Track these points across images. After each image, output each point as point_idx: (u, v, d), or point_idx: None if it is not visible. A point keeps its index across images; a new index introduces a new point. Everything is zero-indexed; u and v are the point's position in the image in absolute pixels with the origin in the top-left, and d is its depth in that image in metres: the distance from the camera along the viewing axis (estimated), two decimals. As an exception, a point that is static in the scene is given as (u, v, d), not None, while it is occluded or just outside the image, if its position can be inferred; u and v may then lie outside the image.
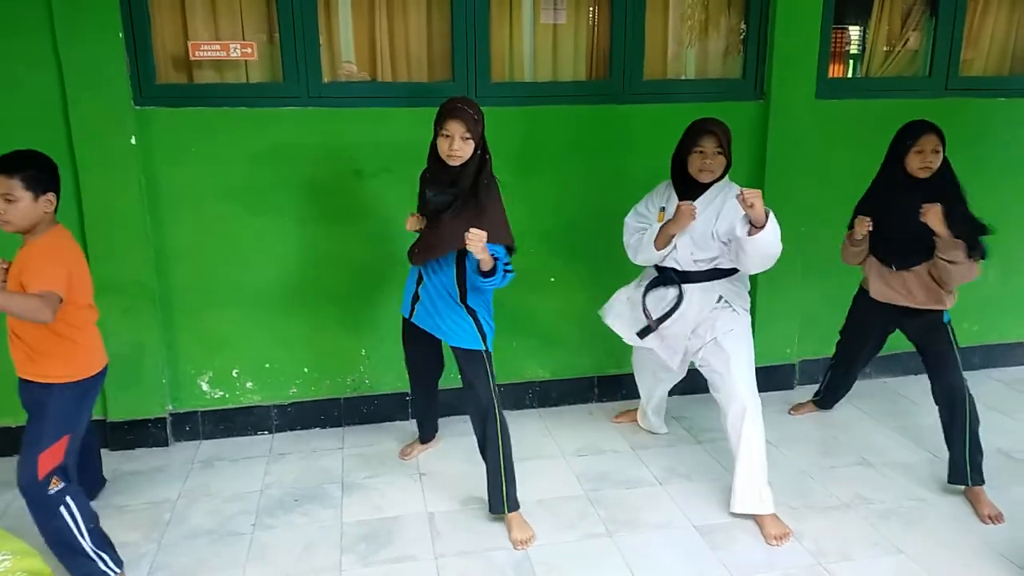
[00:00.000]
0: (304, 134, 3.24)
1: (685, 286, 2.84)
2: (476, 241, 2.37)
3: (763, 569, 2.53)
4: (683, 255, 2.80)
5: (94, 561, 2.34)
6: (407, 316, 2.87)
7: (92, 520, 2.36)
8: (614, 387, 3.79)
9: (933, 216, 2.67)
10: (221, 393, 3.42)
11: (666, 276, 2.88)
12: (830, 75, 3.86)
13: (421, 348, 2.96)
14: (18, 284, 2.20)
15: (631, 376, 3.48)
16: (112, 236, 3.11)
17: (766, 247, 2.56)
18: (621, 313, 3.06)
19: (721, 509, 2.85)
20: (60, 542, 2.30)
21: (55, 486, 2.26)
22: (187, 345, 3.34)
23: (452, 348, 2.74)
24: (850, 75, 4.21)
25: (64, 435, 2.30)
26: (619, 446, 3.36)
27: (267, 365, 3.43)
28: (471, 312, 2.69)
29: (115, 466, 3.17)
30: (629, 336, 3.01)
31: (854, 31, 4.13)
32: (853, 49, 4.18)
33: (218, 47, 3.20)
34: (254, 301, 3.34)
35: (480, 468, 2.74)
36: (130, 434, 3.32)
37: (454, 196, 2.56)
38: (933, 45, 3.89)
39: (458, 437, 3.39)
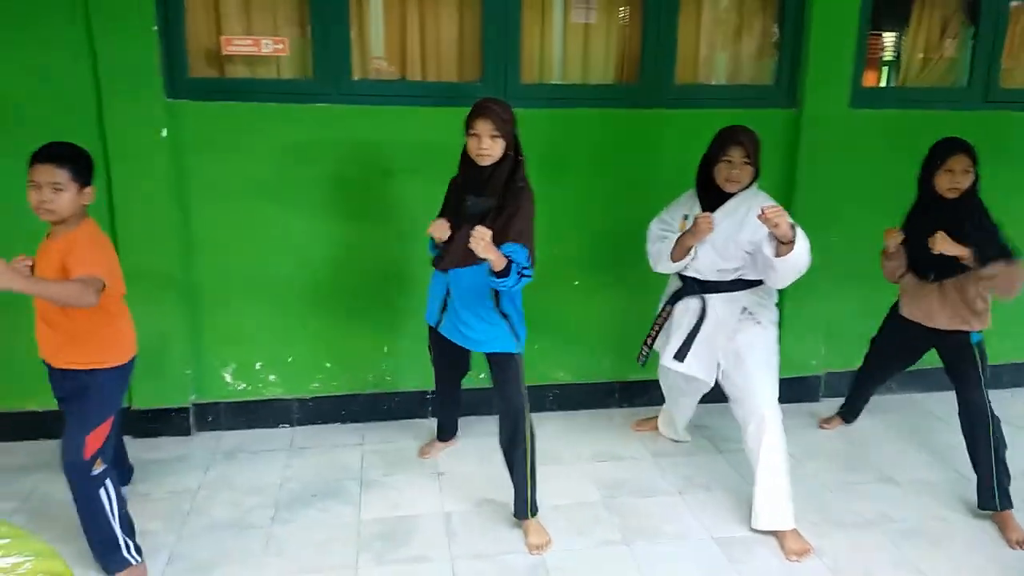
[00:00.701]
0: (333, 131, 3.25)
1: (707, 297, 2.80)
2: (478, 239, 2.28)
3: (781, 585, 2.50)
4: (705, 265, 2.76)
5: (120, 547, 2.41)
6: (433, 325, 2.84)
7: (123, 506, 2.43)
8: (635, 393, 3.76)
9: (941, 243, 2.64)
10: (244, 385, 3.45)
11: (688, 286, 2.85)
12: (863, 83, 3.79)
13: (448, 354, 2.94)
14: (58, 276, 2.23)
15: (653, 382, 3.45)
16: (141, 227, 3.14)
17: (795, 264, 2.52)
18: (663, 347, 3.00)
19: (740, 521, 2.82)
20: (94, 524, 2.37)
21: (98, 467, 2.34)
22: (212, 337, 3.37)
23: (490, 355, 2.69)
24: (884, 83, 4.13)
25: (109, 416, 2.38)
26: (638, 453, 3.34)
27: (290, 359, 3.45)
28: (504, 314, 2.66)
29: (137, 454, 3.20)
30: (669, 361, 2.93)
31: (889, 38, 4.05)
32: (887, 56, 4.10)
33: (250, 42, 3.22)
34: (279, 295, 3.37)
35: (498, 470, 2.73)
36: (153, 423, 3.36)
37: (493, 203, 2.52)
38: (973, 55, 3.80)
39: (477, 437, 3.39)
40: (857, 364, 3.60)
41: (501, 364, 2.67)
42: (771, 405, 2.70)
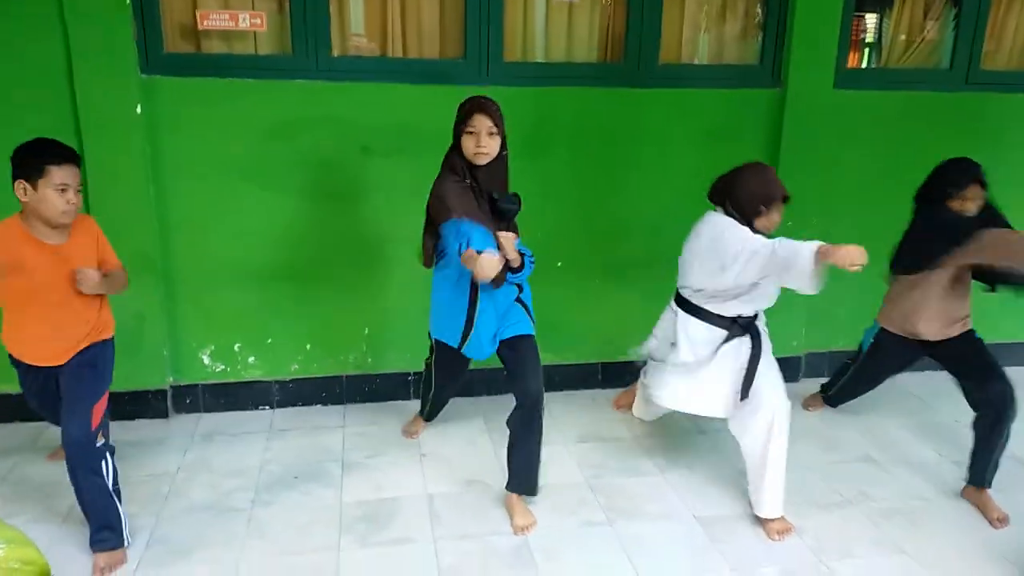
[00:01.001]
0: (311, 108, 3.19)
1: (753, 329, 2.74)
2: (510, 244, 2.39)
3: (763, 564, 2.51)
4: (741, 307, 2.70)
5: (120, 520, 2.40)
6: (456, 347, 2.69)
7: (117, 480, 2.43)
8: (618, 374, 3.76)
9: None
10: (222, 367, 3.40)
11: (733, 327, 2.71)
12: (847, 64, 3.78)
13: (461, 368, 2.95)
14: (99, 265, 2.46)
15: (635, 363, 3.44)
16: (116, 206, 3.07)
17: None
18: (685, 393, 2.81)
19: (722, 500, 2.84)
20: (96, 498, 2.35)
21: (102, 439, 2.37)
22: (189, 318, 3.31)
23: (511, 340, 2.63)
24: (865, 64, 4.13)
25: (107, 387, 2.46)
26: (621, 434, 3.34)
27: (269, 340, 3.41)
28: (521, 301, 2.69)
29: (115, 436, 3.09)
30: (723, 409, 2.77)
31: (871, 19, 4.04)
32: (869, 37, 4.10)
33: (227, 17, 3.15)
34: (258, 275, 3.31)
35: (482, 451, 2.72)
36: (131, 405, 3.30)
37: (514, 201, 2.54)
38: (955, 37, 3.81)
39: (460, 419, 3.37)
40: (836, 345, 3.62)
41: (529, 348, 2.64)
42: (784, 400, 2.66)
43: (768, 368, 2.72)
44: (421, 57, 3.39)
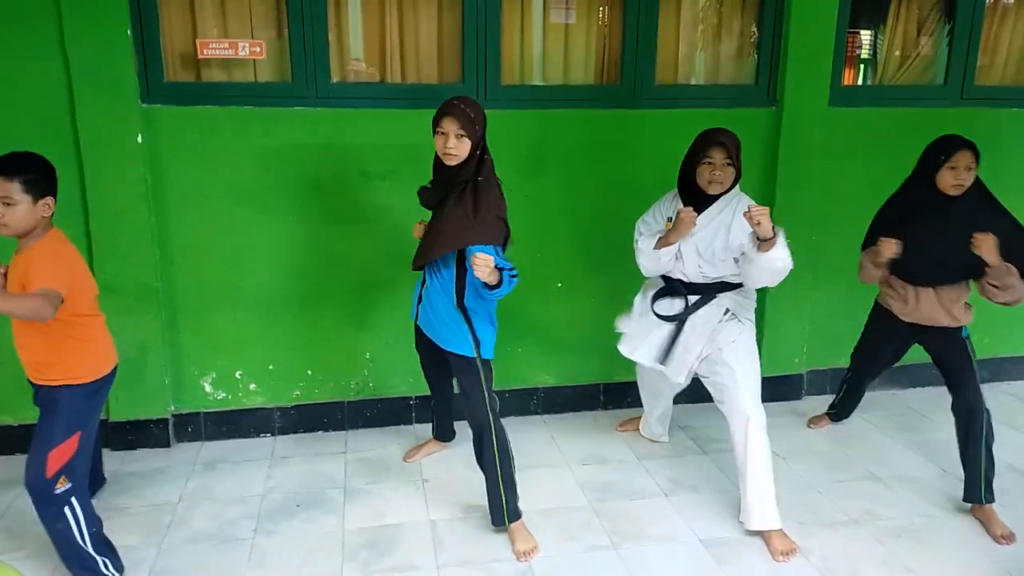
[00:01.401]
0: (312, 134, 3.21)
1: (691, 298, 2.80)
2: (482, 266, 2.30)
3: (769, 586, 2.50)
4: (690, 267, 2.76)
5: (95, 563, 2.34)
6: (414, 319, 2.84)
7: (95, 524, 2.35)
8: (620, 394, 3.75)
9: (987, 248, 2.57)
10: (224, 394, 3.40)
11: (672, 287, 2.84)
12: (842, 81, 3.80)
13: (432, 352, 2.91)
14: (20, 289, 2.16)
15: (637, 384, 3.44)
16: (116, 235, 3.08)
17: (773, 263, 2.52)
18: (636, 343, 2.95)
19: (727, 522, 2.82)
20: (63, 542, 2.30)
21: (62, 485, 2.25)
22: (190, 346, 3.31)
23: (449, 355, 2.67)
24: (860, 81, 4.16)
25: (74, 433, 2.28)
26: (624, 456, 3.33)
27: (270, 367, 3.41)
28: (467, 318, 2.61)
29: (116, 466, 3.14)
30: (650, 362, 2.91)
31: (865, 35, 4.08)
32: (864, 54, 4.13)
33: (227, 45, 3.17)
34: (259, 302, 3.32)
35: (483, 475, 2.69)
36: (132, 434, 3.30)
37: (444, 193, 2.53)
38: (949, 53, 3.83)
39: (462, 444, 3.35)
40: (840, 362, 3.62)
41: (460, 367, 2.65)
42: (754, 405, 2.70)
43: (742, 371, 2.71)
44: (419, 81, 3.42)
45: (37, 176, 2.18)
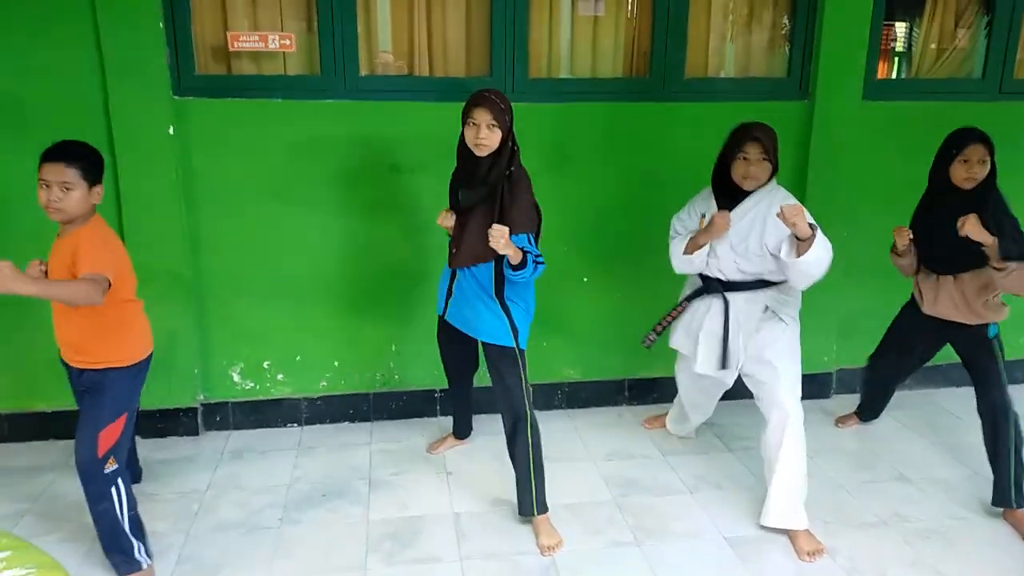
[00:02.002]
0: (340, 127, 3.23)
1: (729, 296, 2.76)
2: (498, 237, 2.34)
3: (795, 586, 2.47)
4: (726, 265, 2.72)
5: (131, 546, 2.39)
6: (441, 314, 2.84)
7: (133, 507, 2.41)
8: (645, 390, 3.73)
9: (971, 227, 2.55)
10: (252, 384, 3.44)
11: (710, 286, 2.81)
12: (877, 75, 3.73)
13: (456, 346, 2.93)
14: (68, 274, 2.20)
15: (663, 379, 3.42)
16: (148, 225, 3.13)
17: (811, 267, 2.49)
18: (691, 350, 2.91)
19: (752, 521, 2.79)
20: (104, 523, 2.36)
21: (111, 466, 2.32)
22: (219, 336, 3.35)
23: (483, 345, 2.70)
24: (895, 74, 4.08)
25: (121, 414, 2.36)
26: (649, 451, 3.31)
27: (298, 358, 3.44)
28: (505, 308, 2.63)
29: (146, 454, 3.19)
30: (713, 370, 2.86)
31: (900, 28, 3.99)
32: (899, 47, 4.04)
33: (257, 38, 3.20)
34: (286, 293, 3.35)
35: (508, 468, 2.70)
36: (161, 423, 3.35)
37: (483, 196, 2.53)
38: (988, 45, 3.74)
39: (487, 436, 3.36)
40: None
41: (498, 357, 2.65)
42: (794, 402, 2.67)
43: (782, 370, 2.69)
44: (447, 75, 3.42)
45: (93, 164, 2.27)
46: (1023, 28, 3.77)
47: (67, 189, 2.20)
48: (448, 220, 2.70)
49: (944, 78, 3.85)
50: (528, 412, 2.63)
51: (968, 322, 2.82)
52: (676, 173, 3.49)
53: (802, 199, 3.44)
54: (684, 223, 2.85)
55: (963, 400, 3.68)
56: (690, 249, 2.73)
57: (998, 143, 2.75)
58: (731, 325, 2.76)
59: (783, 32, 3.64)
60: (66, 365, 2.44)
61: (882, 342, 3.33)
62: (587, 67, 3.54)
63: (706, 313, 2.83)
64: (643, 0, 3.51)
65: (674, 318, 2.96)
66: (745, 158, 2.61)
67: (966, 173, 2.69)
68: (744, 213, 2.65)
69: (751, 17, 3.65)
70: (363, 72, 3.28)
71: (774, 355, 2.69)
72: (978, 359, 2.85)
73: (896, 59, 4.08)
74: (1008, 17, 3.69)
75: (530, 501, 2.66)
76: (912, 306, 3.06)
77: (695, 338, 2.87)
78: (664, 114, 3.45)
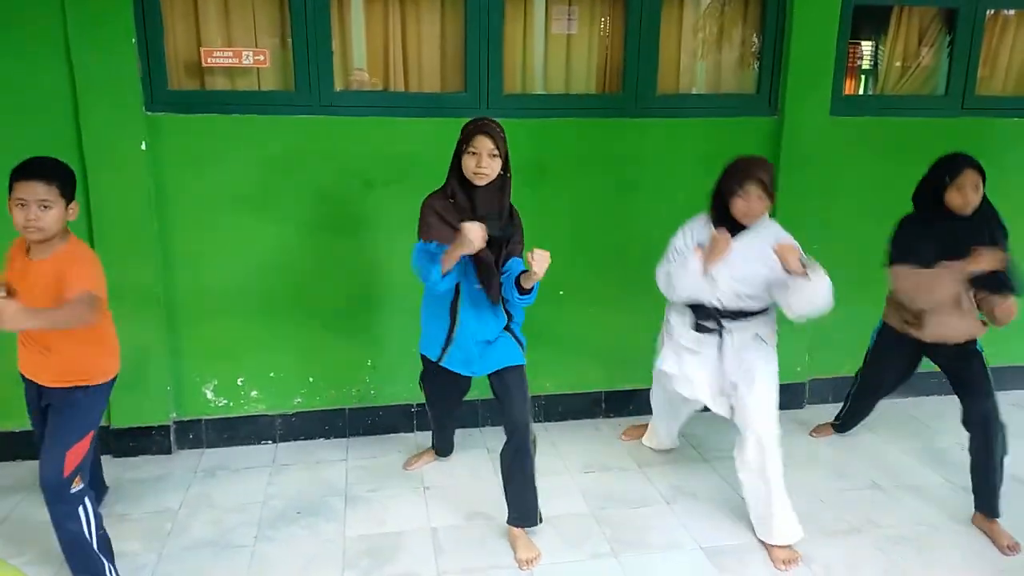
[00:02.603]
0: (314, 143, 3.23)
1: (727, 324, 2.78)
2: (543, 263, 2.34)
3: (772, 594, 2.49)
4: (726, 293, 2.73)
5: (102, 567, 2.35)
6: (435, 359, 2.75)
7: (101, 526, 2.37)
8: (622, 402, 3.75)
9: (988, 261, 2.59)
10: (225, 401, 3.40)
11: (707, 315, 2.80)
12: (844, 91, 3.82)
13: (451, 387, 2.92)
14: (53, 296, 2.16)
15: (639, 391, 3.44)
16: (120, 241, 3.09)
17: (813, 297, 2.54)
18: (692, 382, 2.90)
19: (729, 530, 2.81)
20: (72, 543, 2.31)
21: (77, 484, 2.29)
22: (192, 352, 3.32)
23: (501, 371, 2.63)
24: (861, 91, 4.17)
25: (88, 432, 2.32)
26: (626, 463, 3.32)
27: (272, 374, 3.41)
28: (510, 329, 2.67)
29: (117, 473, 3.14)
30: (712, 400, 2.88)
31: (866, 46, 4.09)
32: (865, 64, 4.14)
33: (231, 54, 3.19)
34: (260, 309, 3.32)
35: (485, 483, 2.70)
36: (133, 441, 3.30)
37: (506, 226, 2.54)
38: (950, 63, 3.85)
39: (464, 450, 3.36)
40: (842, 371, 3.61)
41: (514, 377, 2.63)
42: (773, 425, 2.69)
43: (762, 389, 2.72)
44: (422, 91, 3.43)
45: (68, 180, 2.26)
46: (984, 47, 3.88)
47: (45, 207, 2.17)
48: (476, 229, 2.35)
49: (909, 94, 3.95)
50: (532, 429, 2.63)
51: (964, 340, 2.85)
52: (650, 187, 3.54)
53: (773, 212, 3.50)
54: (681, 252, 2.80)
55: (933, 408, 3.76)
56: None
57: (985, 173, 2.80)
58: (726, 351, 2.78)
59: (752, 50, 3.71)
60: (25, 380, 2.39)
61: (867, 362, 3.32)
62: (561, 83, 3.58)
63: (700, 342, 2.83)
64: (615, 18, 3.56)
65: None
66: (745, 197, 2.64)
67: (961, 200, 2.71)
68: (743, 246, 2.68)
69: (721, 35, 3.72)
70: (338, 87, 3.28)
71: (760, 380, 2.72)
72: (966, 370, 2.85)
73: (862, 76, 4.19)
74: (969, 36, 3.80)
75: (535, 510, 2.67)
76: (890, 331, 3.07)
77: (678, 358, 2.91)
78: (637, 129, 3.50)
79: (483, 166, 2.43)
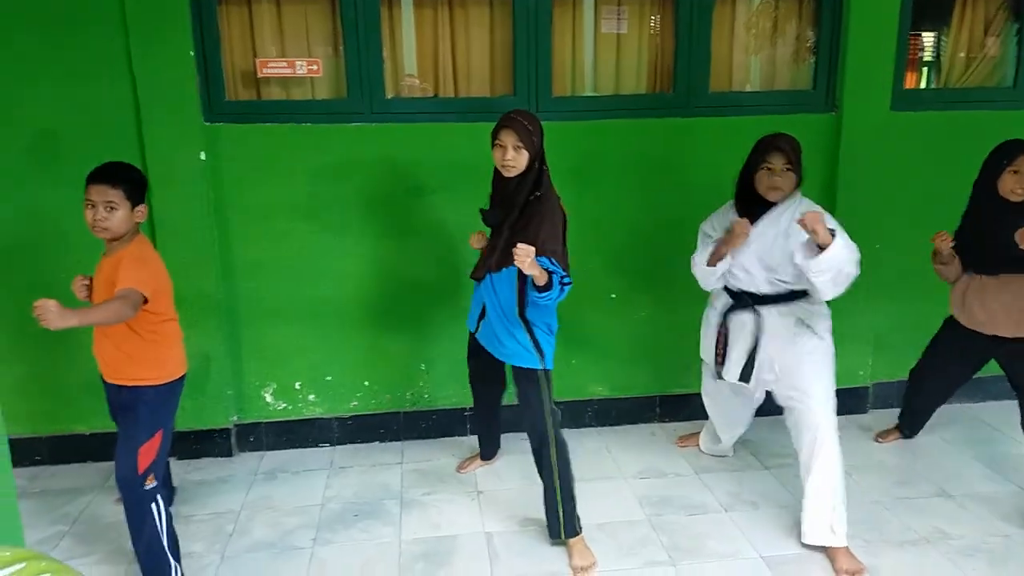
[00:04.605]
0: (367, 150, 3.27)
1: (761, 310, 2.73)
2: (523, 256, 2.30)
3: (835, 606, 2.42)
4: (759, 278, 2.69)
5: (169, 567, 2.42)
6: (472, 331, 2.85)
7: (171, 525, 2.45)
8: (677, 407, 3.69)
9: None
10: (284, 405, 3.46)
11: (741, 301, 2.78)
12: (904, 85, 3.69)
13: (484, 364, 2.92)
14: (111, 291, 2.27)
15: (694, 395, 3.38)
16: (181, 249, 3.17)
17: (831, 266, 2.43)
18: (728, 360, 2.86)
19: (789, 539, 2.74)
20: (144, 540, 2.39)
21: (151, 483, 2.37)
22: (251, 357, 3.39)
23: (512, 368, 2.68)
24: (923, 84, 4.03)
25: (157, 431, 2.40)
26: (682, 469, 3.27)
27: (328, 378, 3.46)
28: (528, 328, 2.61)
29: (181, 475, 3.23)
30: (734, 378, 2.85)
31: (928, 37, 3.95)
32: (927, 57, 4.00)
33: (285, 64, 3.26)
34: (317, 315, 3.38)
35: (538, 487, 2.68)
36: (196, 444, 3.38)
37: (505, 214, 2.54)
38: (1019, 53, 3.69)
39: (517, 455, 3.35)
40: (905, 374, 3.50)
41: (522, 380, 2.64)
42: (828, 416, 2.62)
43: (818, 384, 2.64)
44: (472, 95, 3.45)
45: (136, 184, 2.37)
46: (1055, 34, 3.72)
47: (111, 208, 2.29)
48: (480, 242, 2.73)
49: (974, 87, 3.80)
50: (551, 433, 2.59)
51: (1012, 335, 2.76)
52: (703, 187, 3.45)
53: (831, 212, 3.40)
54: (708, 236, 2.82)
55: (1004, 413, 3.59)
56: (712, 261, 2.71)
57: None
58: (762, 338, 2.72)
59: (808, 44, 3.62)
60: (105, 383, 2.49)
61: (922, 361, 3.26)
62: (611, 84, 3.55)
63: (740, 329, 2.79)
64: (666, 17, 3.51)
65: (723, 343, 2.87)
66: (769, 168, 2.59)
67: (1014, 184, 2.66)
68: (771, 223, 2.63)
69: (775, 30, 3.64)
70: (389, 95, 3.32)
71: (809, 369, 2.65)
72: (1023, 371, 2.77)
73: (924, 69, 4.04)
74: (1039, 24, 3.64)
75: (557, 525, 2.63)
76: (952, 324, 3.00)
77: (724, 350, 2.86)
78: (689, 129, 3.44)
79: (508, 159, 2.47)
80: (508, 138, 2.46)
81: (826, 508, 2.60)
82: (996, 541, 2.72)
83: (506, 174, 2.51)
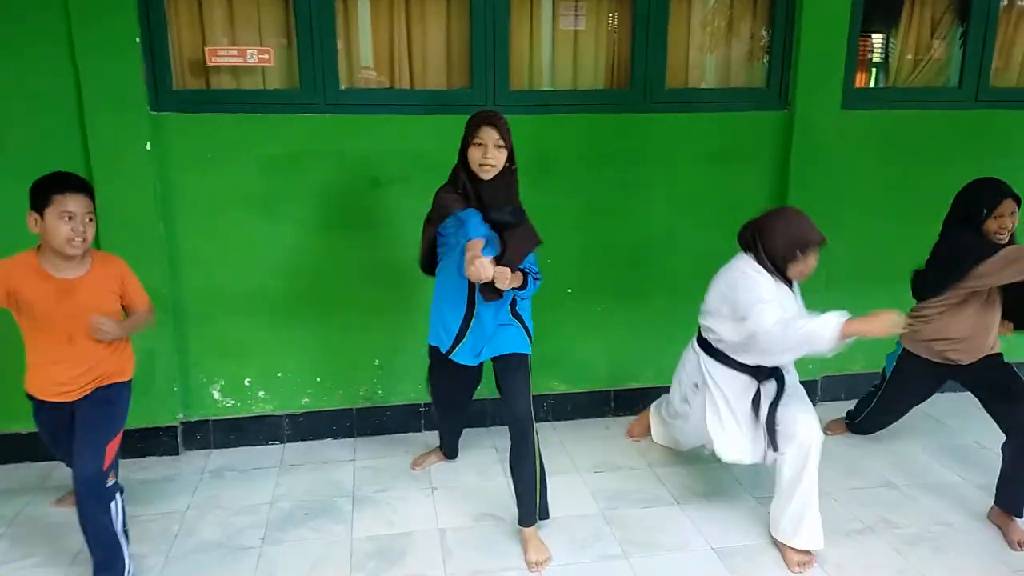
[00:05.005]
0: (320, 141, 3.20)
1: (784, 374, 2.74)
2: (504, 280, 2.30)
3: (785, 596, 2.45)
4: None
5: (124, 561, 2.38)
6: (446, 352, 2.65)
7: (126, 522, 2.42)
8: (631, 401, 3.71)
9: None
10: (233, 402, 3.38)
11: (763, 373, 2.70)
12: (855, 85, 3.76)
13: (458, 383, 2.89)
14: (116, 305, 2.40)
15: (649, 390, 3.41)
16: (126, 242, 3.06)
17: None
18: (744, 446, 2.74)
19: (740, 531, 2.78)
20: (102, 538, 2.33)
21: (112, 479, 2.34)
22: (199, 353, 3.30)
23: (502, 358, 2.59)
24: (873, 84, 4.11)
25: (121, 429, 2.43)
26: (636, 463, 3.29)
27: (279, 374, 3.39)
28: (519, 317, 2.63)
29: (126, 475, 3.12)
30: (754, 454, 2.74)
31: (877, 39, 4.04)
32: (876, 57, 4.09)
33: (235, 53, 3.17)
34: (267, 309, 3.31)
35: (494, 483, 2.68)
36: (141, 442, 3.28)
37: (518, 215, 2.48)
38: (963, 55, 3.79)
39: (472, 450, 3.33)
40: (853, 368, 3.57)
41: (520, 365, 2.59)
42: (818, 431, 2.62)
43: (801, 400, 2.70)
44: (428, 88, 3.41)
45: None
46: (998, 37, 3.82)
47: (91, 220, 2.26)
48: (489, 269, 2.29)
49: (921, 87, 3.89)
50: (533, 417, 2.59)
51: (993, 352, 2.85)
52: (659, 182, 3.50)
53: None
54: (782, 302, 2.60)
55: (947, 405, 3.69)
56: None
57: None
58: (764, 401, 2.69)
59: (761, 43, 3.66)
60: (49, 404, 2.41)
61: (887, 395, 3.23)
62: (568, 79, 3.55)
63: (741, 396, 2.72)
64: (623, 13, 3.52)
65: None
66: (803, 265, 2.67)
67: (998, 228, 2.73)
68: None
69: (730, 29, 3.67)
70: (343, 85, 3.26)
71: (796, 396, 2.71)
72: (1002, 380, 2.82)
73: (874, 69, 4.12)
74: (983, 27, 3.74)
75: (534, 509, 2.62)
76: (915, 362, 3.01)
77: (749, 434, 2.73)
78: (646, 125, 3.46)
79: (489, 157, 2.41)
80: (489, 136, 2.40)
81: (816, 513, 2.60)
82: (939, 530, 2.79)
83: (483, 174, 2.43)
